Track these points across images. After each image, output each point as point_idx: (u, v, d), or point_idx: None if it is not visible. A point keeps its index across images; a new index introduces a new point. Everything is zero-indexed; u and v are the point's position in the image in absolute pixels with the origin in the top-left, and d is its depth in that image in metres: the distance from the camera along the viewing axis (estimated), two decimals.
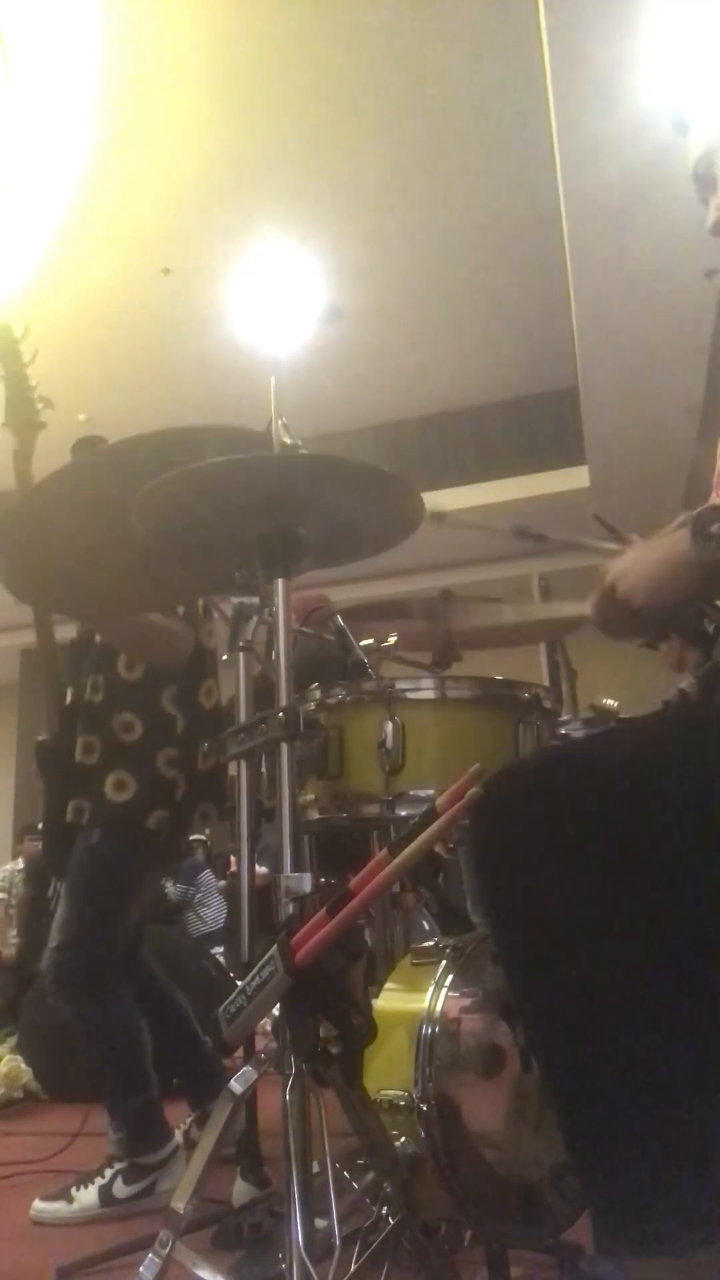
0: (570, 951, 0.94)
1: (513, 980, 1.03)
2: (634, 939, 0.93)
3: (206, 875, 8.25)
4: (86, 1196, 2.07)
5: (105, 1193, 2.07)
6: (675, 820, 0.97)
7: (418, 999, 1.39)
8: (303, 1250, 1.07)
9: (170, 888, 7.91)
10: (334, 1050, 1.15)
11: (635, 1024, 0.92)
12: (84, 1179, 2.11)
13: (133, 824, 2.11)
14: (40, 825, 2.54)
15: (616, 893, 0.94)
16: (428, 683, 1.60)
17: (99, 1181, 2.09)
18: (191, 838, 9.06)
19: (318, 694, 1.63)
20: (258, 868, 2.05)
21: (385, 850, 1.12)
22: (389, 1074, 1.34)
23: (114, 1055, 2.18)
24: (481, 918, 1.60)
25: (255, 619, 1.61)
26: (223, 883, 8.25)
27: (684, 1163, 0.89)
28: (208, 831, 8.98)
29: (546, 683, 2.02)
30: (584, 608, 1.20)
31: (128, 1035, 2.18)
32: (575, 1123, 0.96)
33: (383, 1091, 1.32)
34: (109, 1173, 2.10)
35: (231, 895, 7.83)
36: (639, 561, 1.09)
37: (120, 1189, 2.08)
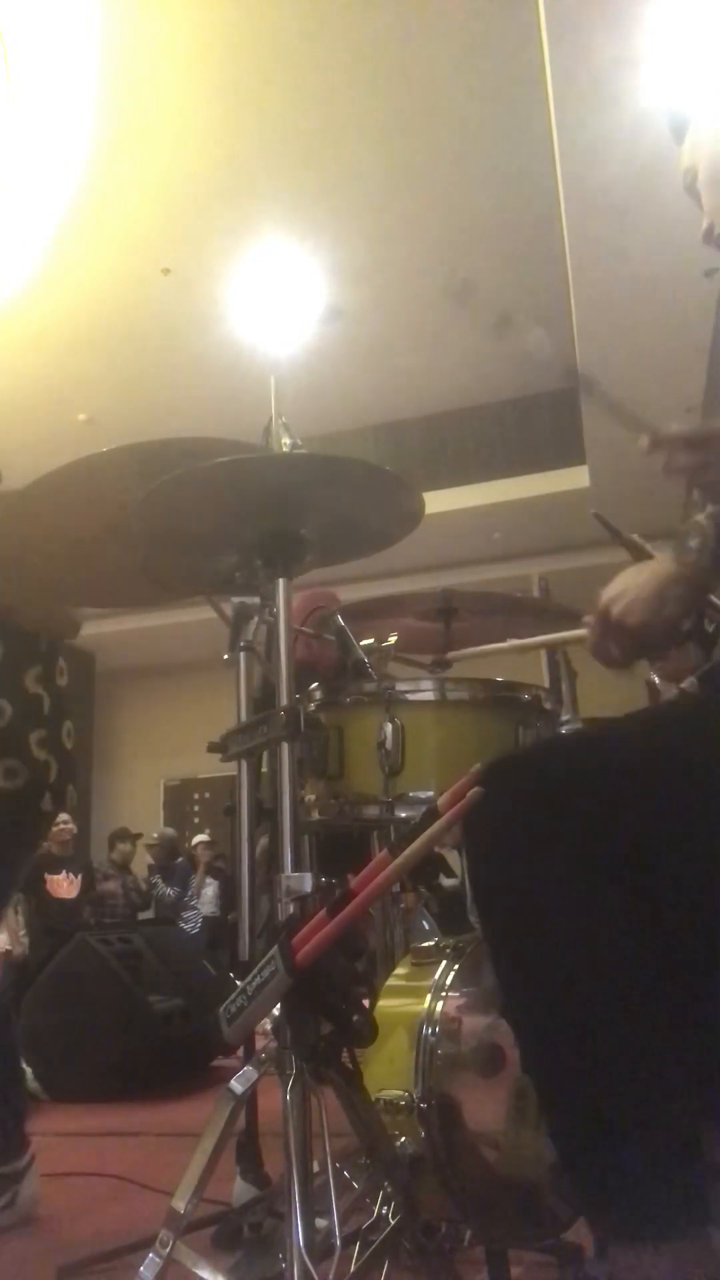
0: (559, 937, 0.94)
1: (497, 964, 1.03)
2: (625, 928, 0.94)
3: (194, 880, 8.33)
4: None
5: None
6: (672, 813, 0.98)
7: (418, 999, 1.39)
8: (303, 1250, 1.07)
9: (169, 892, 7.93)
10: (345, 1060, 1.15)
11: (622, 1011, 0.92)
12: None
13: (28, 811, 2.06)
14: None
15: (610, 885, 0.94)
16: (427, 684, 1.60)
17: None
18: (195, 839, 9.08)
19: (318, 694, 1.63)
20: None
21: (386, 850, 1.12)
22: (389, 1074, 1.34)
23: None
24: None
25: (256, 619, 1.61)
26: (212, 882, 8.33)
27: (669, 1146, 0.90)
28: (208, 831, 9.01)
29: (547, 684, 2.02)
30: (577, 631, 1.22)
31: (6, 1033, 2.13)
32: (558, 1107, 0.96)
33: (383, 1091, 1.32)
34: None
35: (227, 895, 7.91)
36: (629, 585, 1.11)
37: None
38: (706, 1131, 0.92)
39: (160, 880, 8.05)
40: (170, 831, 9.10)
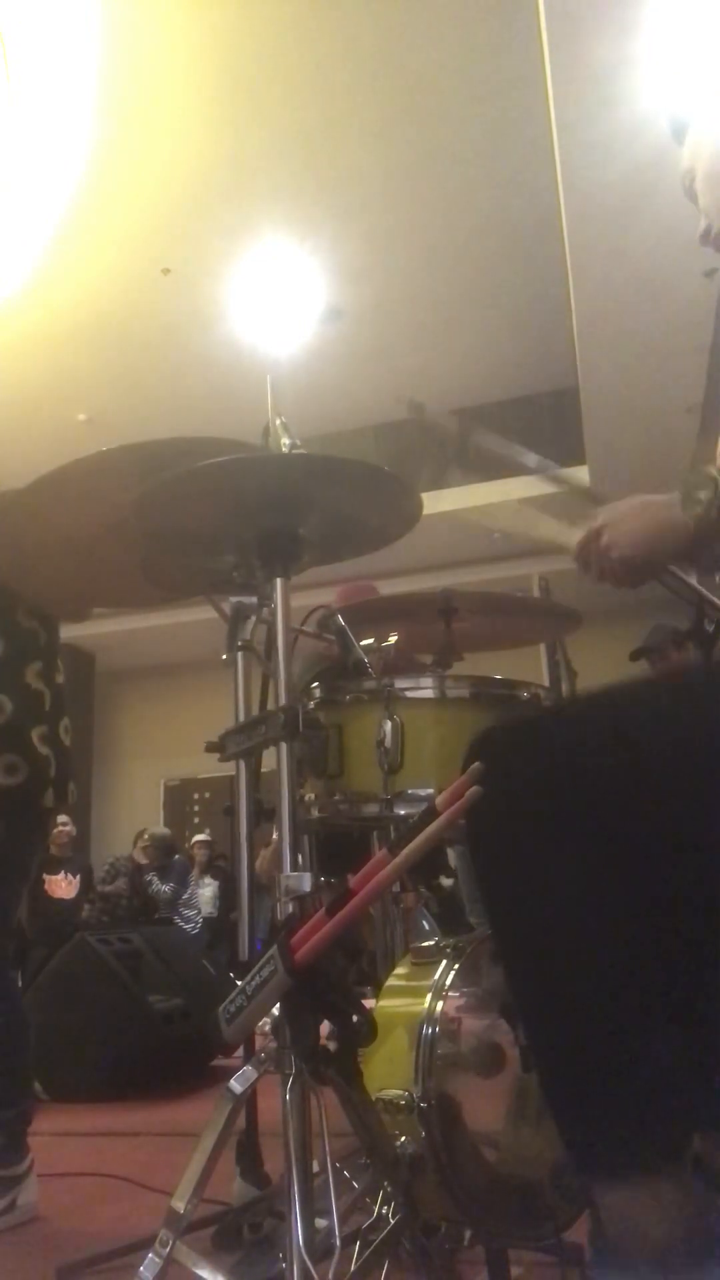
0: (561, 925, 0.95)
1: (503, 955, 1.04)
2: (624, 902, 0.95)
3: (192, 876, 8.31)
4: None
5: None
6: (673, 802, 0.98)
7: (418, 999, 1.38)
8: (303, 1250, 1.07)
9: (164, 889, 7.90)
10: (332, 1048, 1.15)
11: (617, 973, 0.94)
12: None
13: (31, 807, 2.06)
14: None
15: (613, 875, 0.95)
16: (427, 682, 1.60)
17: None
18: (195, 838, 9.06)
19: (318, 693, 1.63)
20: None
21: (385, 850, 1.12)
22: (389, 1074, 1.34)
23: (7, 1059, 2.07)
24: (479, 917, 1.60)
25: (254, 618, 1.61)
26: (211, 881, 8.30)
27: (649, 1085, 0.92)
28: (207, 831, 9.01)
29: (546, 683, 2.02)
30: (570, 537, 1.23)
31: (21, 1035, 2.11)
32: (546, 1056, 0.98)
33: (383, 1091, 1.32)
34: None
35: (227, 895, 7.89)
36: (628, 516, 1.14)
37: None
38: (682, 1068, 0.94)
39: (155, 877, 8.03)
40: (163, 830, 9.02)
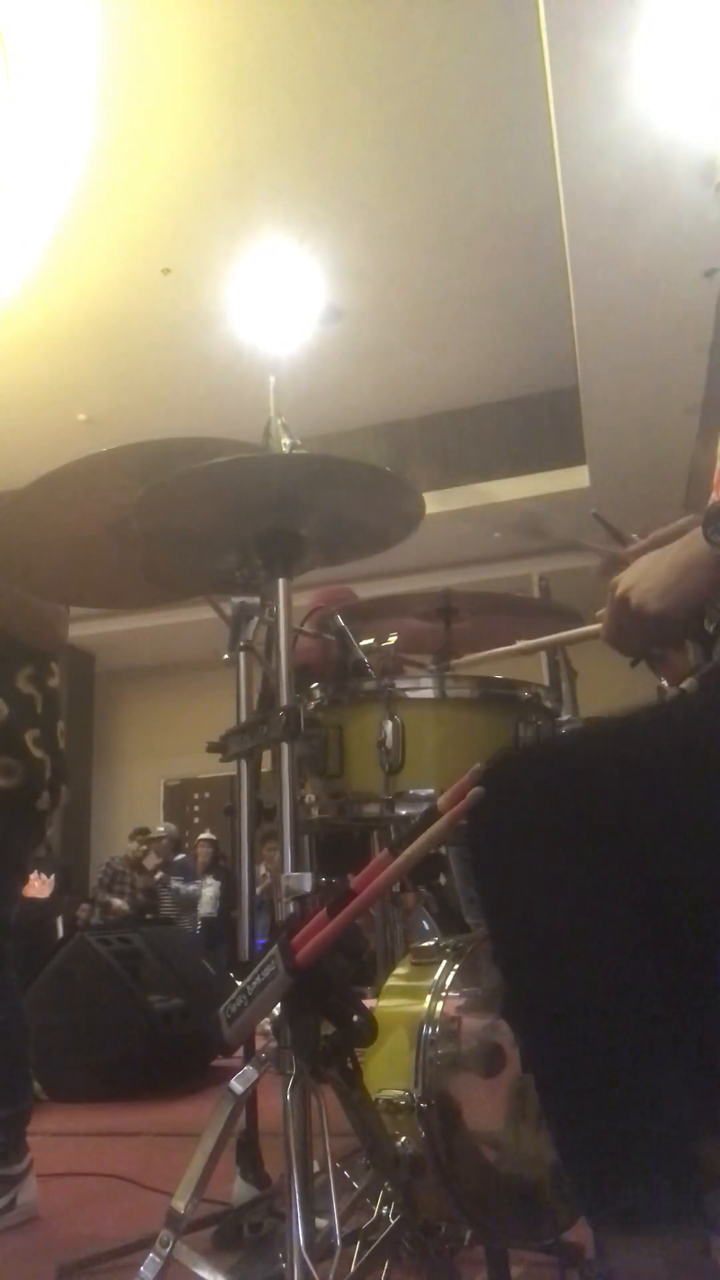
0: (562, 935, 0.95)
1: (501, 961, 1.03)
2: (629, 925, 0.94)
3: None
4: None
5: None
6: (673, 812, 0.98)
7: (418, 999, 1.39)
8: (303, 1250, 1.07)
9: (186, 887, 7.88)
10: (345, 1060, 1.15)
11: (625, 1007, 0.92)
12: None
13: (26, 808, 2.08)
14: None
15: (613, 883, 0.94)
16: (427, 682, 1.60)
17: None
18: (200, 837, 8.99)
19: (318, 693, 1.63)
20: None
21: (386, 850, 1.12)
22: (389, 1074, 1.34)
23: (7, 1056, 2.07)
24: (475, 918, 1.60)
25: (255, 619, 1.61)
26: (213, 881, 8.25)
27: (662, 1140, 0.90)
28: (209, 830, 9.01)
29: (547, 683, 2.01)
30: (594, 627, 1.19)
31: (21, 1033, 2.11)
32: (557, 1101, 0.96)
33: (383, 1091, 1.32)
34: None
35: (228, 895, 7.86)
36: (648, 570, 1.08)
37: None
38: (705, 1137, 0.92)
39: (180, 881, 8.00)
40: (172, 827, 9.03)
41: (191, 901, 7.92)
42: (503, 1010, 1.36)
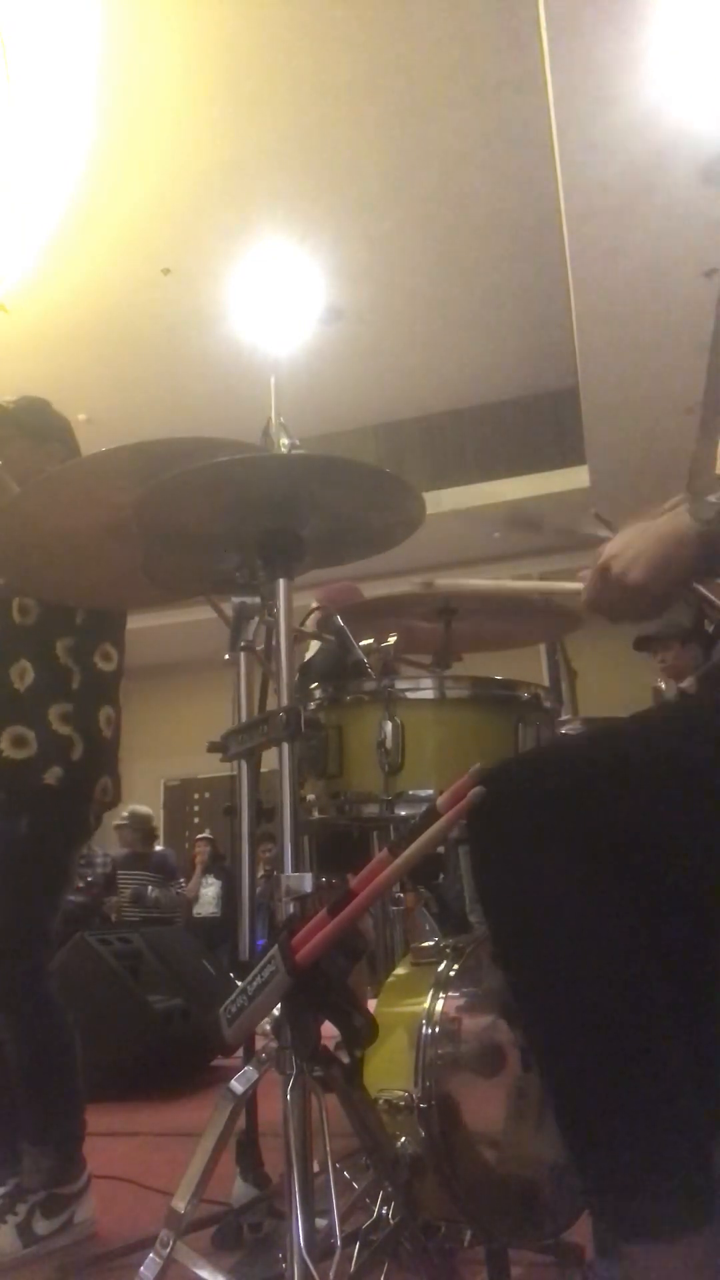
0: (567, 943, 0.94)
1: (509, 970, 1.03)
2: (629, 927, 0.94)
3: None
4: (2, 1238, 1.84)
5: (25, 1231, 1.85)
6: (674, 815, 0.98)
7: (418, 999, 1.39)
8: (303, 1250, 1.07)
9: (156, 892, 7.15)
10: (344, 1059, 1.15)
11: (628, 1009, 0.92)
12: None
13: (30, 784, 1.94)
14: None
15: (613, 885, 0.94)
16: (427, 683, 1.60)
17: (12, 1220, 1.86)
18: (199, 836, 8.74)
19: (318, 694, 1.63)
20: None
21: (386, 850, 1.12)
22: (389, 1074, 1.34)
23: (57, 1073, 2.00)
24: (480, 917, 1.60)
25: (256, 619, 1.60)
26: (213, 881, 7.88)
27: (677, 1144, 0.90)
28: (208, 831, 8.99)
29: (546, 683, 2.02)
30: (576, 586, 1.19)
31: (69, 1048, 2.03)
32: (569, 1106, 0.96)
33: (383, 1091, 1.32)
34: (23, 1208, 1.87)
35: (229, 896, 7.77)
36: (634, 540, 1.08)
37: (41, 1225, 1.87)
38: (711, 1127, 0.92)
39: (151, 886, 6.81)
40: (143, 809, 7.27)
41: (172, 906, 6.88)
42: (503, 1010, 1.36)
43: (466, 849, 1.99)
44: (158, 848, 7.32)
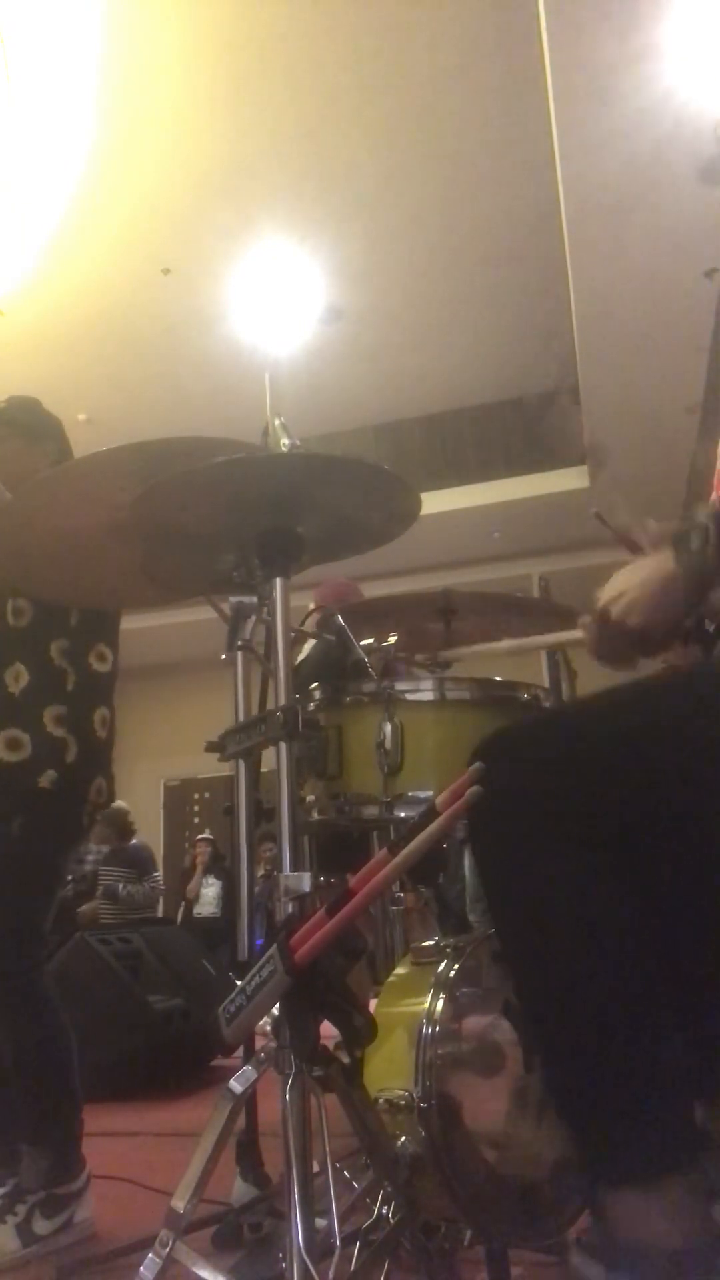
0: (563, 917, 0.96)
1: (509, 953, 1.05)
2: (625, 898, 0.96)
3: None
4: (2, 1237, 1.83)
5: (25, 1231, 1.84)
6: (668, 782, 0.99)
7: (418, 999, 1.38)
8: (303, 1250, 1.07)
9: (130, 890, 6.89)
10: (344, 1059, 1.15)
11: (621, 968, 0.96)
12: None
13: (25, 787, 1.94)
14: None
15: (609, 856, 0.96)
16: (426, 684, 1.60)
17: (12, 1220, 1.85)
18: (199, 837, 8.69)
19: (317, 694, 1.63)
20: None
21: (385, 849, 1.12)
22: (389, 1074, 1.34)
23: (54, 1073, 1.99)
24: (480, 916, 1.60)
25: (254, 618, 1.60)
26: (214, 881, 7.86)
27: (659, 1098, 0.93)
28: (209, 831, 8.99)
29: (546, 684, 2.02)
30: (578, 634, 1.23)
31: (66, 1047, 2.03)
32: (555, 1060, 0.99)
33: (383, 1091, 1.32)
34: (22, 1208, 1.86)
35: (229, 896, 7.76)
36: (628, 584, 1.12)
37: (41, 1225, 1.86)
38: (700, 1102, 0.95)
39: (123, 883, 6.65)
40: (119, 804, 6.89)
41: (146, 901, 6.73)
42: (504, 1009, 1.36)
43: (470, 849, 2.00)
44: (134, 841, 7.17)
